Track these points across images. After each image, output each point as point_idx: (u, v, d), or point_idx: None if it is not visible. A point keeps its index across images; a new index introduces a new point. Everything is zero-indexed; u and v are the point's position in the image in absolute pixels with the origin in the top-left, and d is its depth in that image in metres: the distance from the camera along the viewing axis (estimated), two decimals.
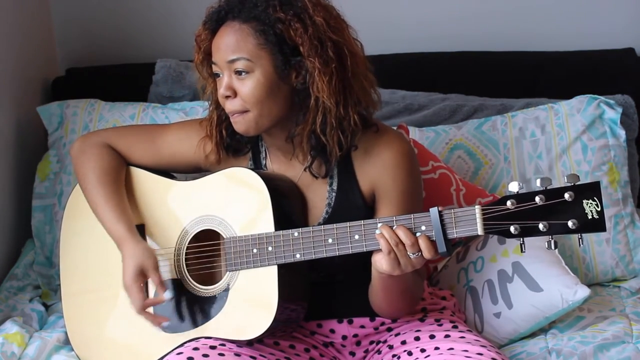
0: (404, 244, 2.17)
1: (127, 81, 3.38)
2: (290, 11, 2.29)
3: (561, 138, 3.02)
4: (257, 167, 2.51)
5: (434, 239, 2.16)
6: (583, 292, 2.58)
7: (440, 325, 2.46)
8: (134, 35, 3.51)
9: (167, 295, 2.40)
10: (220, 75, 2.35)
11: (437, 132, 3.07)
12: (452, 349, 2.31)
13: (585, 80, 3.25)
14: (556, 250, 2.70)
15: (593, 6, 3.42)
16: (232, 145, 2.50)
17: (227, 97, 2.34)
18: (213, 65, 2.38)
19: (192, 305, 2.42)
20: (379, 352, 2.47)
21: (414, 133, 3.05)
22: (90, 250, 2.60)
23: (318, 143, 2.36)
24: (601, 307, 2.77)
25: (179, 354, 2.27)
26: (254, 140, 2.50)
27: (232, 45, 2.31)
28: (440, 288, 2.70)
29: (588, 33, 3.41)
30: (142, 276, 2.40)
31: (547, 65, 3.32)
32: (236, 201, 2.40)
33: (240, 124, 2.35)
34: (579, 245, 2.08)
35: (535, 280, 2.61)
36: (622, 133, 3.02)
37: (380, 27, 3.37)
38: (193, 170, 2.58)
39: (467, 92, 3.26)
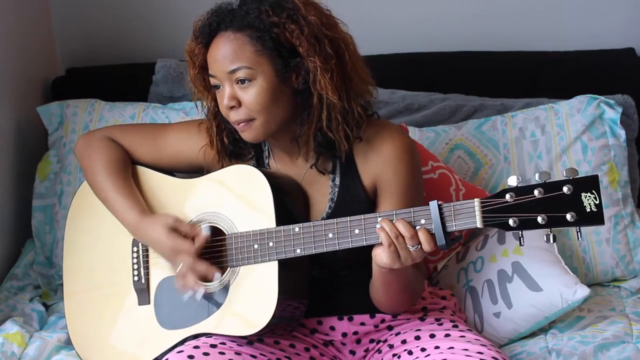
0: (403, 237, 2.17)
1: (127, 81, 3.38)
2: (283, 14, 2.30)
3: (561, 138, 3.02)
4: (260, 166, 2.51)
5: (433, 232, 2.16)
6: (583, 291, 2.58)
7: (441, 324, 2.46)
8: (134, 35, 3.52)
9: (205, 230, 2.40)
10: (220, 87, 2.35)
11: (437, 132, 3.07)
12: (452, 347, 2.31)
13: (585, 80, 3.25)
14: (556, 249, 2.71)
15: (593, 6, 3.43)
16: (234, 152, 2.51)
17: (232, 107, 2.33)
18: (211, 78, 2.37)
19: (193, 301, 2.42)
20: (379, 351, 2.47)
21: (414, 133, 3.05)
22: (95, 249, 2.60)
23: (324, 140, 2.36)
24: (601, 307, 2.76)
25: (179, 352, 2.27)
26: (256, 143, 2.50)
27: (230, 55, 2.31)
28: (440, 288, 2.70)
29: (588, 33, 3.41)
30: (174, 231, 2.40)
31: (547, 65, 3.32)
32: (238, 198, 2.40)
33: (248, 133, 2.36)
34: (577, 238, 2.09)
35: (535, 280, 2.61)
36: (622, 133, 3.02)
37: (380, 27, 3.38)
38: (194, 171, 2.57)
39: (467, 92, 3.26)
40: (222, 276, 2.39)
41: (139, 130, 2.63)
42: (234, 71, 2.31)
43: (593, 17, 3.43)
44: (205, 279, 2.38)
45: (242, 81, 2.31)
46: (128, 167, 2.57)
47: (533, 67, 3.33)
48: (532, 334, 2.65)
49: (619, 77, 3.27)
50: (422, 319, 2.49)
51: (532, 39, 3.42)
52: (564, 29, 3.43)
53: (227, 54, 2.31)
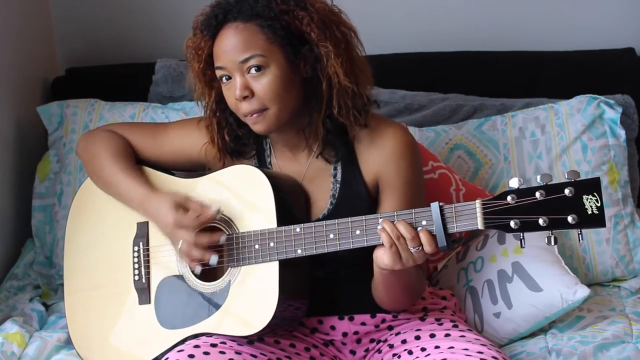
0: (405, 238, 2.18)
1: (127, 81, 3.38)
2: (291, 2, 2.31)
3: (561, 138, 3.02)
4: (262, 165, 2.51)
5: (434, 233, 2.17)
6: (583, 292, 2.58)
7: (441, 324, 2.47)
8: (134, 35, 3.52)
9: (214, 208, 2.36)
10: (228, 80, 2.35)
11: (437, 132, 3.07)
12: (452, 347, 2.31)
13: (585, 80, 3.25)
14: (556, 249, 2.71)
15: (593, 6, 3.43)
16: (236, 150, 2.50)
17: (245, 98, 2.33)
18: (218, 70, 2.37)
19: (193, 301, 2.42)
20: (379, 351, 2.47)
21: (414, 133, 3.05)
22: (95, 249, 2.60)
23: (333, 126, 2.37)
24: (601, 307, 2.77)
25: (179, 351, 2.27)
26: (258, 140, 2.51)
27: (241, 45, 2.31)
28: (440, 288, 2.70)
29: (588, 33, 3.41)
30: (180, 208, 2.36)
31: (547, 65, 3.32)
32: (239, 198, 2.40)
33: (261, 124, 2.35)
34: (579, 241, 2.09)
35: (535, 280, 2.61)
36: (622, 133, 3.02)
37: (380, 27, 3.38)
38: (197, 168, 2.57)
39: (467, 92, 3.26)
40: (226, 241, 2.35)
41: (140, 128, 2.63)
42: (246, 60, 2.31)
43: (593, 17, 3.43)
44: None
45: (257, 69, 2.30)
46: (133, 155, 2.56)
47: (533, 67, 3.33)
48: (532, 334, 2.65)
49: (619, 77, 3.27)
50: (422, 319, 2.49)
51: (532, 39, 3.42)
52: (564, 29, 3.43)
53: (237, 44, 2.31)
